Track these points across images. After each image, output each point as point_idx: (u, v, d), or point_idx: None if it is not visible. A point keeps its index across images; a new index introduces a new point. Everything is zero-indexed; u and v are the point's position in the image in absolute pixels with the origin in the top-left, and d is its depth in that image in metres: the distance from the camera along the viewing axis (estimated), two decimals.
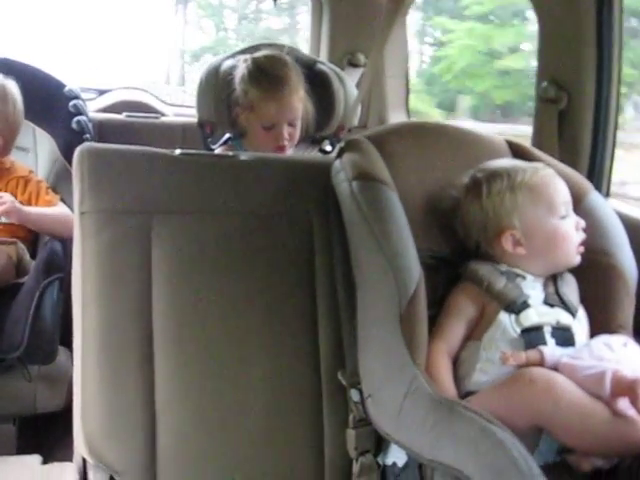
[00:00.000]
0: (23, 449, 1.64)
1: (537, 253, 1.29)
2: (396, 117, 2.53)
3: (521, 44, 5.59)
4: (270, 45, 1.86)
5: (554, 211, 1.29)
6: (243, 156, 1.41)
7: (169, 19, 6.78)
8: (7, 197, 1.77)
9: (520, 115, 5.79)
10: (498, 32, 5.41)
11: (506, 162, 1.37)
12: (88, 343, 1.21)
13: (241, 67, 1.74)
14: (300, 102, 1.75)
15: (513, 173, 1.31)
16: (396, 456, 1.23)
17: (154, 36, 6.45)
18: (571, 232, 1.30)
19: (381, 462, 1.27)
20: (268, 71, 1.73)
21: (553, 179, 1.32)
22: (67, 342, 1.30)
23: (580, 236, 1.30)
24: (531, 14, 1.79)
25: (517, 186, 1.29)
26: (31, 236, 1.91)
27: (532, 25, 5.46)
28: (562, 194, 1.31)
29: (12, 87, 1.92)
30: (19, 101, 1.93)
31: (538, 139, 1.75)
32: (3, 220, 1.84)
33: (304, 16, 6.94)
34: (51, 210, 1.87)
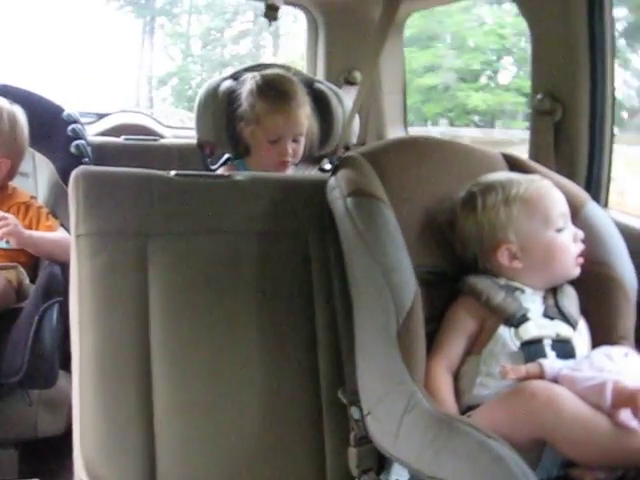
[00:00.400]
0: (25, 474, 1.64)
1: (534, 266, 1.29)
2: (394, 133, 2.53)
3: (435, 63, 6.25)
4: (273, 66, 1.88)
5: (550, 223, 1.28)
6: (238, 176, 1.42)
7: (137, 47, 7.13)
8: (12, 219, 1.78)
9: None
10: (418, 54, 5.90)
11: (502, 175, 1.36)
12: (86, 366, 1.21)
13: (249, 83, 1.76)
14: (306, 119, 1.76)
15: (508, 186, 1.31)
16: (399, 474, 1.21)
17: (124, 63, 6.76)
18: (568, 244, 1.29)
19: None
20: (276, 86, 1.75)
21: (549, 191, 1.32)
22: (67, 366, 1.29)
23: (579, 247, 1.30)
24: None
25: (512, 199, 1.29)
26: (32, 261, 1.91)
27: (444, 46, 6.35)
28: (559, 206, 1.31)
29: (20, 114, 1.96)
30: (26, 127, 1.97)
31: (534, 151, 1.75)
32: (4, 245, 1.84)
33: (268, 40, 7.47)
34: (51, 234, 1.87)
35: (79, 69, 5.92)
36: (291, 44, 7.08)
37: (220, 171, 1.77)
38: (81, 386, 1.21)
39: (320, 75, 2.50)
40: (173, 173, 1.35)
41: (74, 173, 1.30)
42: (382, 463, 1.25)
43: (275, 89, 1.74)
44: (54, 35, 5.73)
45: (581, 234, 1.30)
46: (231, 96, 1.76)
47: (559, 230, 1.29)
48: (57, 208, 1.96)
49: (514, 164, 1.45)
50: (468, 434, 1.05)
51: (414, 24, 4.81)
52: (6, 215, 1.78)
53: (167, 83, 7.54)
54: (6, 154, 1.91)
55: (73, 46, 6.11)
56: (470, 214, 1.32)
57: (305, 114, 1.76)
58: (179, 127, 2.82)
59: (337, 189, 1.31)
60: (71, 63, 6.03)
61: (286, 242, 1.36)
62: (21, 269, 1.84)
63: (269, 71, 1.79)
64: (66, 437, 1.27)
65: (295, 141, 1.75)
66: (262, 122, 1.72)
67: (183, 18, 7.72)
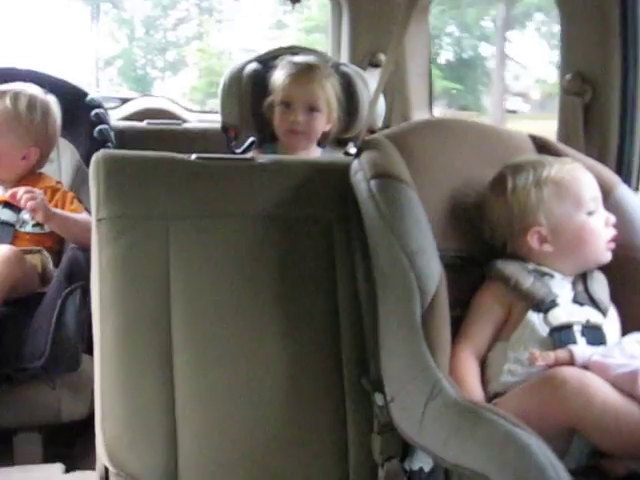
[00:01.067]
0: (49, 458, 1.65)
1: (565, 250, 1.26)
2: (420, 116, 2.50)
3: None
4: (301, 49, 1.88)
5: (581, 206, 1.26)
6: (261, 159, 1.40)
7: (86, 31, 7.69)
8: (39, 194, 1.78)
9: None
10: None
11: (533, 157, 1.34)
12: (107, 350, 1.21)
13: (281, 66, 1.79)
14: (322, 91, 1.78)
15: (539, 167, 1.28)
16: (423, 461, 1.20)
17: (73, 47, 7.29)
18: (600, 228, 1.27)
19: (407, 467, 1.23)
20: (299, 62, 1.79)
21: (580, 174, 1.29)
22: (91, 350, 1.29)
23: (610, 232, 1.28)
24: None
25: (543, 181, 1.27)
26: (57, 247, 1.92)
27: None
28: (590, 189, 1.28)
29: (54, 104, 1.98)
30: (59, 118, 1.99)
31: (564, 133, 1.73)
32: (29, 230, 1.86)
33: (213, 25, 8.25)
34: (76, 215, 1.88)
35: (31, 52, 6.25)
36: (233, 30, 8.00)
37: (250, 154, 1.77)
38: (102, 370, 1.21)
39: (345, 58, 2.48)
40: (194, 156, 1.34)
41: (95, 157, 1.29)
42: (406, 450, 1.23)
43: (297, 64, 1.78)
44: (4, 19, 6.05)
45: (613, 218, 1.28)
46: (256, 79, 1.75)
47: (590, 213, 1.27)
48: (81, 193, 1.96)
49: (542, 146, 1.42)
50: (494, 423, 1.03)
51: None
52: (33, 189, 1.79)
53: (113, 64, 8.21)
54: (36, 143, 1.92)
55: (26, 31, 6.59)
56: (500, 196, 1.29)
57: (321, 87, 1.77)
58: (203, 111, 2.81)
59: (360, 172, 1.29)
60: (24, 47, 6.41)
61: (309, 226, 1.34)
62: (46, 254, 1.84)
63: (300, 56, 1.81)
64: (89, 422, 1.28)
65: (309, 113, 1.75)
66: (278, 88, 1.75)
67: (127, 4, 8.38)
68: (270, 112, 1.78)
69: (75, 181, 2.06)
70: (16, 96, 1.91)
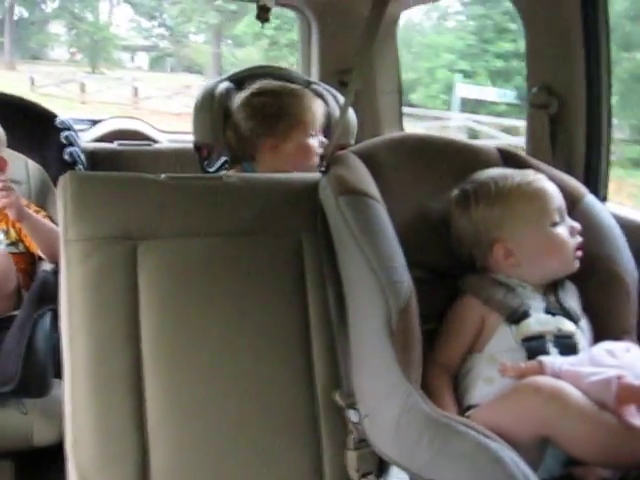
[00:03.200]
0: None
1: (531, 263, 1.27)
2: (390, 132, 2.51)
3: None
4: (269, 67, 1.87)
5: (545, 218, 1.27)
6: (229, 177, 1.40)
7: None
8: (15, 192, 1.77)
9: None
10: None
11: (495, 171, 1.34)
12: (77, 373, 1.20)
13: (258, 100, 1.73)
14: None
15: (501, 182, 1.29)
16: (398, 477, 1.19)
17: None
18: (565, 239, 1.27)
19: None
20: (294, 88, 1.78)
21: (543, 185, 1.30)
22: (61, 374, 1.27)
23: (576, 241, 1.28)
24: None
25: (505, 196, 1.28)
26: (30, 268, 1.90)
27: None
28: (554, 200, 1.29)
29: None
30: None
31: (531, 145, 1.74)
32: (2, 248, 1.83)
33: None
34: (49, 223, 1.87)
35: None
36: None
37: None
38: (73, 393, 1.20)
39: (314, 76, 2.49)
40: (164, 176, 1.33)
41: (62, 178, 1.28)
42: (382, 466, 1.22)
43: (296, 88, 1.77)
44: None
45: (578, 227, 1.29)
46: (228, 97, 1.74)
47: (555, 224, 1.27)
48: (53, 215, 1.94)
49: (509, 159, 1.43)
50: (465, 435, 1.03)
51: None
52: (12, 187, 1.76)
53: None
54: None
55: None
56: (464, 213, 1.30)
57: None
58: (174, 132, 2.81)
59: (329, 188, 1.29)
60: None
61: (279, 243, 1.33)
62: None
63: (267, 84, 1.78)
64: (62, 447, 1.25)
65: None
66: (295, 117, 1.71)
67: None
68: (255, 136, 1.72)
69: (45, 203, 2.05)
70: None
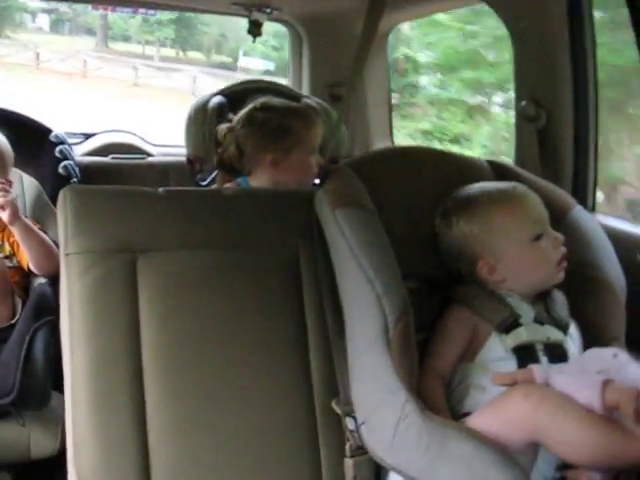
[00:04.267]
0: None
1: (515, 277, 1.28)
2: (381, 146, 2.54)
3: None
4: (253, 82, 1.89)
5: (525, 233, 1.28)
6: (226, 190, 1.42)
7: None
8: (11, 194, 1.77)
9: None
10: None
11: (476, 188, 1.35)
12: (78, 384, 1.20)
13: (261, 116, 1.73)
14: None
15: (480, 198, 1.31)
16: None
17: None
18: (548, 251, 1.28)
19: None
20: (298, 106, 1.78)
21: (523, 199, 1.31)
22: (59, 386, 1.28)
23: (560, 252, 1.29)
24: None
25: (484, 213, 1.29)
26: (24, 281, 1.90)
27: None
28: (535, 212, 1.30)
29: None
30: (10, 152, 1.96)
31: (520, 157, 1.77)
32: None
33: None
34: (40, 232, 1.87)
35: None
36: None
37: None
38: (73, 405, 1.20)
39: (305, 90, 2.52)
40: (161, 189, 1.35)
41: (62, 192, 1.29)
42: (379, 473, 1.24)
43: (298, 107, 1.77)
44: None
45: (562, 238, 1.29)
46: (221, 111, 1.76)
47: (537, 237, 1.28)
48: (48, 229, 1.95)
49: (500, 171, 1.45)
50: (461, 439, 1.05)
51: None
52: (8, 188, 1.77)
53: None
54: None
55: None
56: (447, 229, 1.32)
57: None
58: (167, 145, 2.82)
59: (324, 201, 1.31)
60: None
61: (276, 255, 1.35)
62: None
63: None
64: (59, 459, 1.26)
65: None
66: (303, 139, 1.72)
67: None
68: (256, 151, 1.72)
69: (41, 217, 2.05)
70: None
